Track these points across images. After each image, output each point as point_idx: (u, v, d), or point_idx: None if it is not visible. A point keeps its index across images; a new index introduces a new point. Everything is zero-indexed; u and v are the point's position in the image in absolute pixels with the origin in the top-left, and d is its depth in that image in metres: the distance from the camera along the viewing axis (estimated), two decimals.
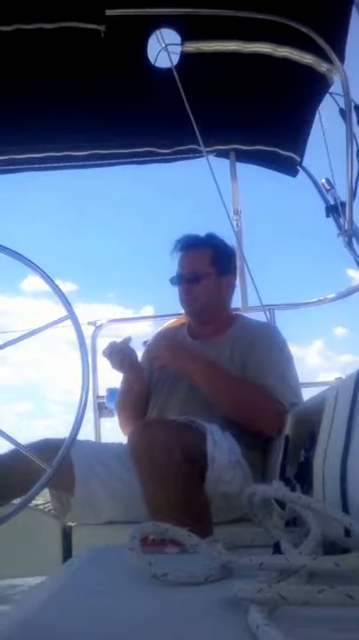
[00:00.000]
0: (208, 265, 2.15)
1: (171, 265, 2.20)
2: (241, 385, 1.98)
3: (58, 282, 1.44)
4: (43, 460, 1.38)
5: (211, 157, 2.84)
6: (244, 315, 2.50)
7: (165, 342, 2.21)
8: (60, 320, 1.42)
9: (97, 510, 1.93)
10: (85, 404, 1.41)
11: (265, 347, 2.05)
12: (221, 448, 1.76)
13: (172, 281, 2.18)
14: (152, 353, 2.14)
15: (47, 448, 1.54)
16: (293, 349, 2.15)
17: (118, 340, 2.10)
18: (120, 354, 2.06)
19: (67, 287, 1.44)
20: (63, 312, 1.41)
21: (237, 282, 2.43)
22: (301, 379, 2.13)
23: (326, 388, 1.42)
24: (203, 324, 2.21)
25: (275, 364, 2.00)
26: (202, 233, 2.24)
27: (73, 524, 2.08)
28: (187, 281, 2.15)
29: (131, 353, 2.09)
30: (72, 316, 1.41)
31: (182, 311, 2.30)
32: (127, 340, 2.09)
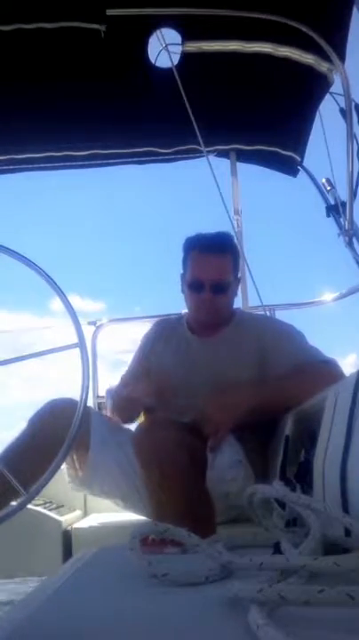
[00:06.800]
0: (231, 272, 2.01)
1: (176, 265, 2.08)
2: (295, 379, 1.83)
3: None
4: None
5: (212, 157, 2.84)
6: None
7: (212, 404, 1.84)
8: (68, 347, 1.40)
9: (104, 482, 1.96)
10: (85, 404, 1.41)
11: (278, 336, 2.01)
12: (222, 449, 1.76)
13: (192, 287, 1.99)
14: (210, 425, 1.81)
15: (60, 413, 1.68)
16: None
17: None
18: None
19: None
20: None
21: None
22: None
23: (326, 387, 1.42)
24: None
25: (296, 342, 2.00)
26: (212, 231, 2.07)
27: (72, 526, 2.08)
28: (214, 290, 1.96)
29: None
30: (71, 313, 1.41)
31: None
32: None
